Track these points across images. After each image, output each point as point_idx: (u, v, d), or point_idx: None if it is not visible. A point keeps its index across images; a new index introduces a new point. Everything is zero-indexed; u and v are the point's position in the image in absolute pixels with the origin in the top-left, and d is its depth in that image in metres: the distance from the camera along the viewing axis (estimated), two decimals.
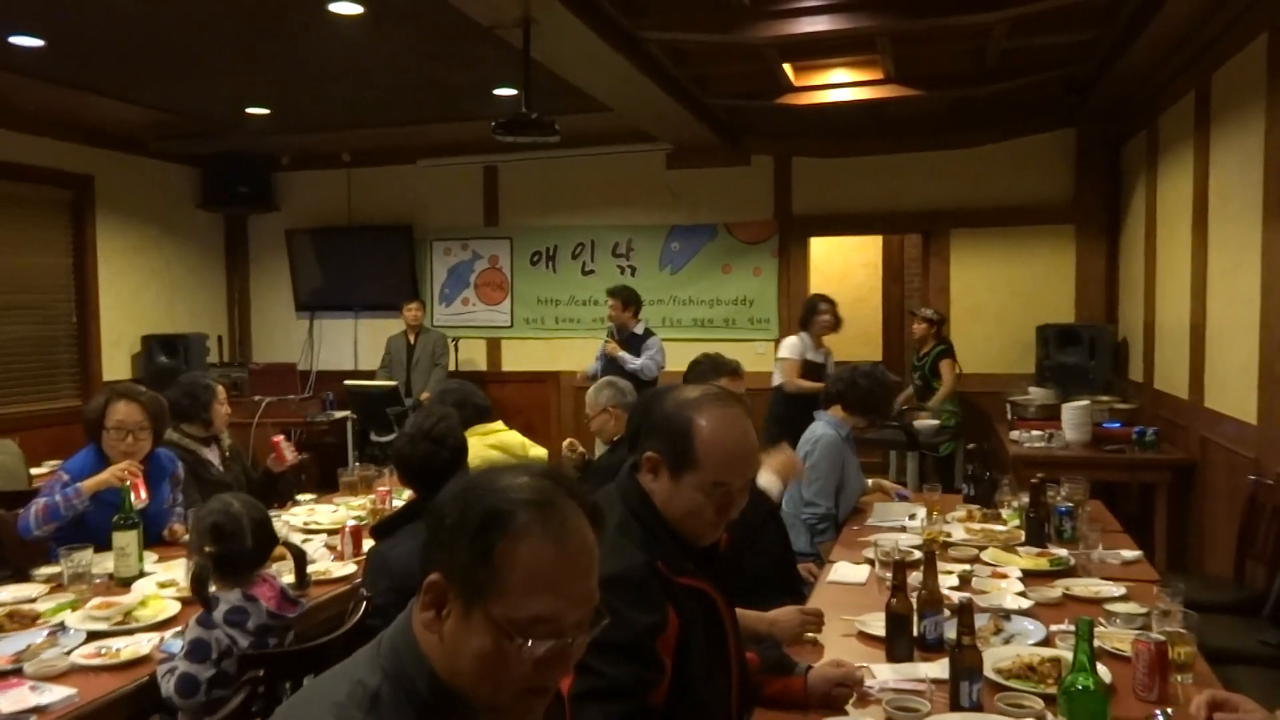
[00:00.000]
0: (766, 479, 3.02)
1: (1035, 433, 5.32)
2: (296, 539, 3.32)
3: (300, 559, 2.71)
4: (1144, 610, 2.43)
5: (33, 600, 2.77)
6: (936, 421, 6.01)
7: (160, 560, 3.19)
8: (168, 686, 2.17)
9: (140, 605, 2.67)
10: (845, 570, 3.03)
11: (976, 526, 3.47)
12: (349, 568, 3.12)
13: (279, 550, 2.58)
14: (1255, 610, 3.35)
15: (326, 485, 4.52)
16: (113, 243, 7.35)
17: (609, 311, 6.44)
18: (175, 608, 2.67)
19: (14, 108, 6.32)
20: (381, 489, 3.91)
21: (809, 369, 5.98)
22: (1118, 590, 2.70)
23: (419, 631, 1.15)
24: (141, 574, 3.00)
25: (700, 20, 4.81)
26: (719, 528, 1.84)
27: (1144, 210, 5.80)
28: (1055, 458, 4.93)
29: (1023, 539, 3.25)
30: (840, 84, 6.01)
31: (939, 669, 2.10)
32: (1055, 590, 2.71)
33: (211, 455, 3.97)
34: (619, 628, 1.66)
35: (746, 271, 7.46)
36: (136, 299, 7.60)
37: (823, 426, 3.87)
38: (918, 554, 2.93)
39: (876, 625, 2.39)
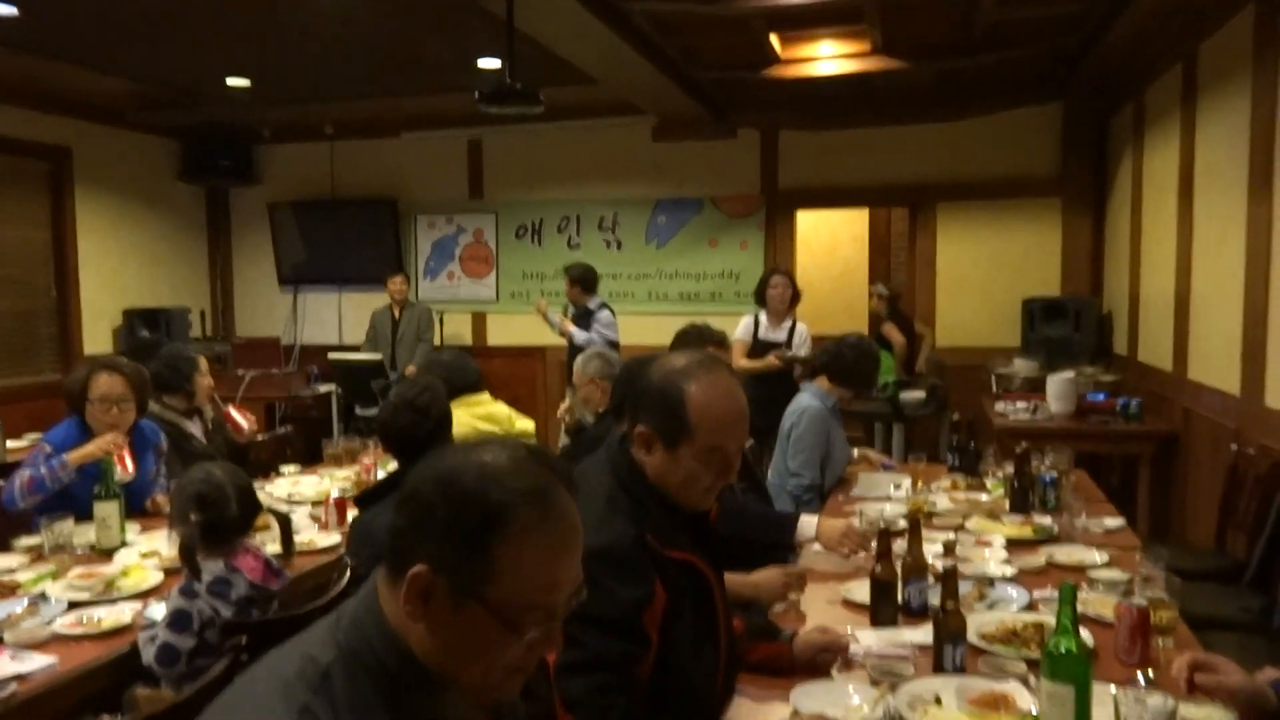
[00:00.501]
0: None
1: (1020, 405, 5.34)
2: (280, 509, 3.31)
3: (286, 525, 2.69)
4: (1126, 577, 2.45)
5: (13, 571, 2.76)
6: (922, 393, 6.03)
7: (143, 531, 3.18)
8: (148, 655, 2.16)
9: (122, 575, 2.66)
10: None
11: (961, 496, 3.49)
12: (334, 538, 3.12)
13: (263, 519, 2.56)
14: (1236, 578, 3.39)
15: (312, 458, 4.51)
16: (92, 216, 7.26)
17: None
18: (158, 577, 2.66)
19: None
20: (366, 460, 3.90)
21: (765, 348, 5.66)
22: (1101, 557, 2.72)
23: (393, 614, 1.11)
24: (123, 544, 2.99)
25: None
26: (715, 493, 1.83)
27: (1130, 183, 5.81)
28: (1040, 429, 4.95)
29: (1007, 508, 3.27)
30: (827, 56, 5.97)
31: (923, 634, 2.11)
32: (1039, 557, 2.73)
33: (194, 428, 3.94)
34: (605, 602, 1.66)
35: (733, 245, 7.44)
36: (117, 273, 7.52)
37: (808, 398, 3.87)
38: (903, 523, 2.93)
39: (861, 593, 2.40)
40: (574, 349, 6.31)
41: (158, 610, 2.26)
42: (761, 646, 2.05)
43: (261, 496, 3.26)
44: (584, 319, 6.33)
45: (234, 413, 4.03)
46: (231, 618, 2.24)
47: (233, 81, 6.64)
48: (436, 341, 7.49)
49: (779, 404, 4.04)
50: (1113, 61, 5.62)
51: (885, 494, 3.60)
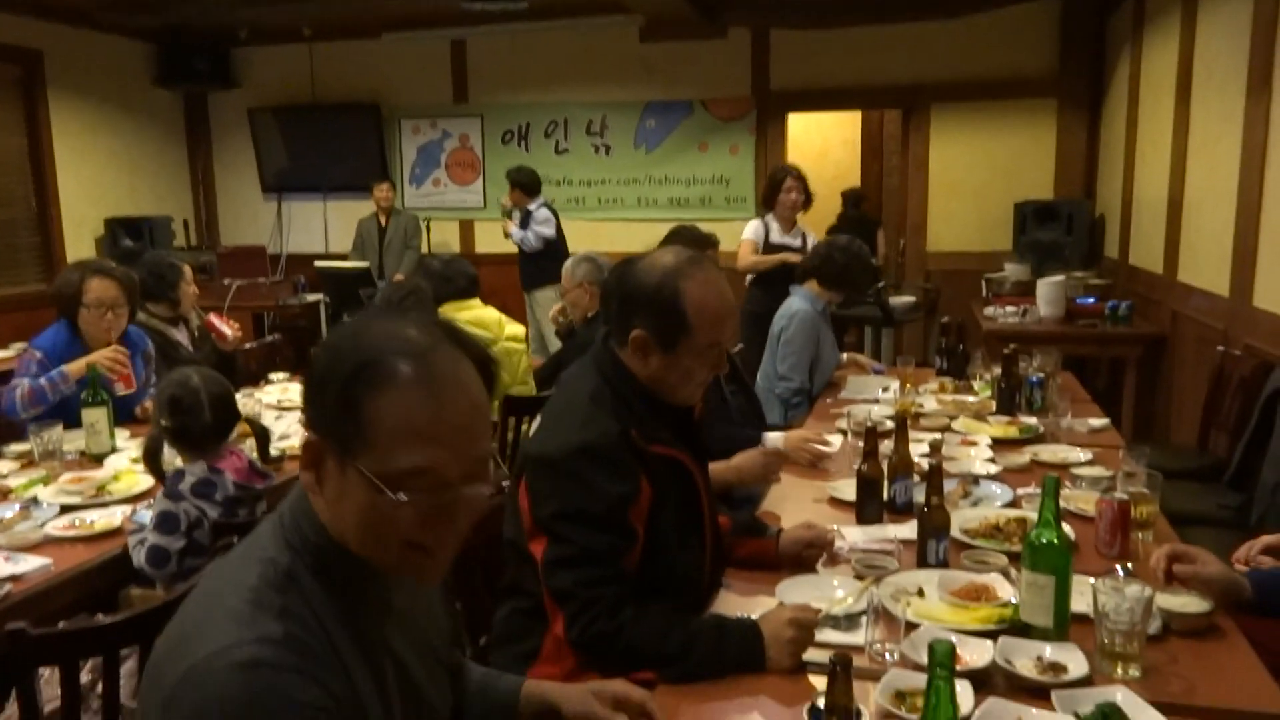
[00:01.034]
0: None
1: (1009, 309, 5.34)
2: (270, 416, 3.31)
3: (263, 437, 2.66)
4: (1109, 474, 2.48)
5: (4, 477, 2.77)
6: (911, 298, 6.02)
7: (133, 437, 3.18)
8: (139, 557, 2.18)
9: (113, 479, 2.68)
10: None
11: (948, 398, 3.51)
12: None
13: (243, 428, 2.55)
14: (1216, 477, 3.43)
15: (301, 366, 4.49)
16: (68, 122, 7.07)
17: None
18: (149, 482, 2.65)
19: None
20: None
21: (771, 252, 5.23)
22: (1084, 456, 2.75)
23: (311, 497, 1.09)
24: (114, 450, 2.99)
25: None
26: (705, 387, 1.88)
27: (1127, 83, 5.70)
28: (1028, 333, 4.95)
29: (994, 409, 3.30)
30: None
31: (908, 530, 2.14)
32: (1023, 456, 2.76)
33: (180, 335, 3.92)
34: (592, 497, 1.68)
35: (723, 149, 7.32)
36: (96, 181, 7.37)
37: (799, 301, 3.85)
38: (890, 424, 2.95)
39: (847, 491, 2.43)
40: (524, 254, 6.65)
41: (145, 514, 2.28)
42: (748, 542, 2.09)
43: (251, 404, 3.27)
44: (526, 221, 6.60)
45: (216, 321, 4.00)
46: (219, 518, 2.25)
47: None
48: (424, 249, 7.42)
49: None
50: None
51: (873, 397, 3.61)
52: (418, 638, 1.23)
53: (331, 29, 7.64)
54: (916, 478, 2.35)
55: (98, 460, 2.92)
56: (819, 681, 1.51)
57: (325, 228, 8.20)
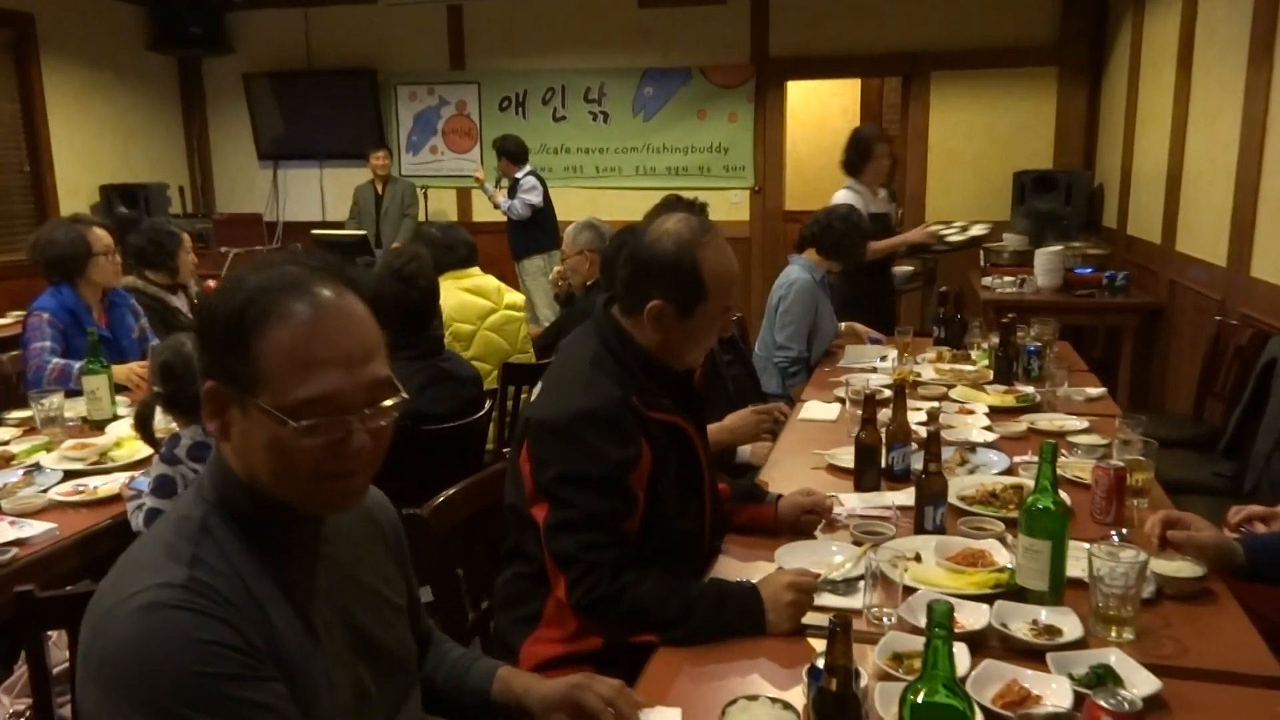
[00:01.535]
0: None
1: (1007, 278, 5.34)
2: None
3: None
4: (1105, 442, 2.50)
5: (6, 443, 2.78)
6: (911, 268, 6.01)
7: (133, 405, 3.18)
8: (137, 521, 2.19)
9: (115, 446, 2.69)
10: (816, 408, 3.08)
11: (946, 367, 3.52)
12: None
13: None
14: (1211, 446, 3.46)
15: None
16: (62, 88, 7.00)
17: None
18: (149, 448, 2.67)
19: None
20: None
21: (876, 225, 4.57)
22: (1081, 424, 2.77)
23: (226, 451, 1.12)
24: (115, 417, 3.00)
25: None
26: (710, 348, 1.94)
27: (1128, 52, 5.67)
28: (1026, 302, 4.96)
29: (991, 378, 3.31)
30: None
31: (905, 497, 2.16)
32: (1020, 424, 2.78)
33: (179, 303, 3.92)
34: (593, 461, 1.70)
35: (722, 117, 7.28)
36: (91, 147, 7.30)
37: (797, 270, 3.86)
38: (888, 392, 2.97)
39: (846, 458, 2.44)
40: (512, 223, 6.68)
41: (144, 480, 2.29)
42: (747, 508, 2.11)
43: None
44: (514, 190, 6.64)
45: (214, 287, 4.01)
46: None
47: None
48: (421, 218, 7.39)
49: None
50: None
51: (872, 365, 3.63)
52: (361, 584, 1.25)
53: None
54: (914, 445, 2.37)
55: (99, 427, 2.94)
56: (818, 644, 1.53)
57: (322, 195, 8.16)
